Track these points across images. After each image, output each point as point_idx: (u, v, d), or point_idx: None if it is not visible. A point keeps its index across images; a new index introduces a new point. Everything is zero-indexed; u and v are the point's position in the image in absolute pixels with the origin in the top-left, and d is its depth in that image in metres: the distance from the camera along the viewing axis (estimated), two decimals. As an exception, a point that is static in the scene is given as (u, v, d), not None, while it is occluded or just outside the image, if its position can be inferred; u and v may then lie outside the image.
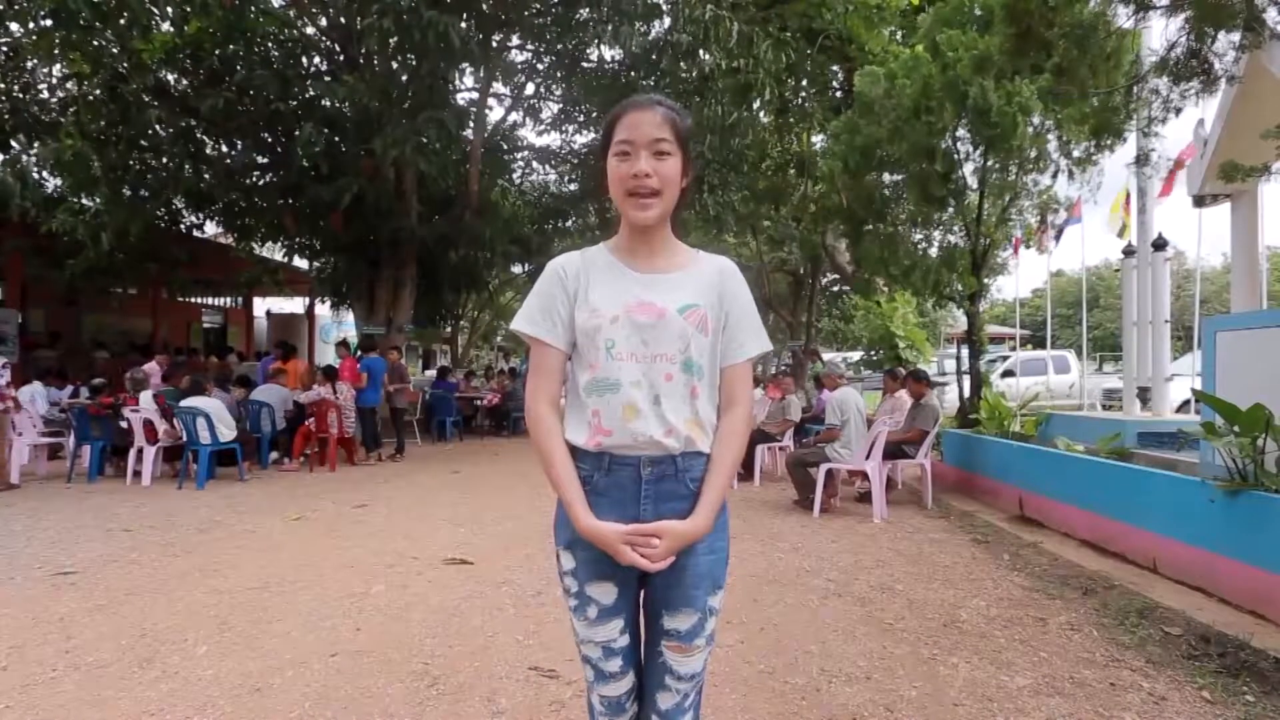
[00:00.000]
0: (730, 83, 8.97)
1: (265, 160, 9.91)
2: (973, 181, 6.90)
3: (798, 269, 17.42)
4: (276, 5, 9.31)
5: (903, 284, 6.68)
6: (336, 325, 20.56)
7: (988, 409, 6.43)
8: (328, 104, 9.49)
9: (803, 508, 5.72)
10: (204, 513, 5.61)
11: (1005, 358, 13.47)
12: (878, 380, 12.50)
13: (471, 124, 9.64)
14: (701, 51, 6.92)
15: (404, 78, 8.39)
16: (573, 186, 13.90)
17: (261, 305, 20.78)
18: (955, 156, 6.36)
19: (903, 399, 6.78)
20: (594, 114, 11.91)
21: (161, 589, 3.67)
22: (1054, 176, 7.20)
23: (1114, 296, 29.40)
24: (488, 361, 20.40)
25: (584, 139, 13.09)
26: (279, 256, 13.06)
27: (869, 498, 5.88)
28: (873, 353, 10.41)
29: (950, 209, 6.65)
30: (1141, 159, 5.66)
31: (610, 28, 6.47)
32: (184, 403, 6.91)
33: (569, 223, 13.30)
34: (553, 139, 13.13)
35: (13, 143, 7.80)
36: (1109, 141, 5.82)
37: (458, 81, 9.92)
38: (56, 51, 6.89)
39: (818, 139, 13.88)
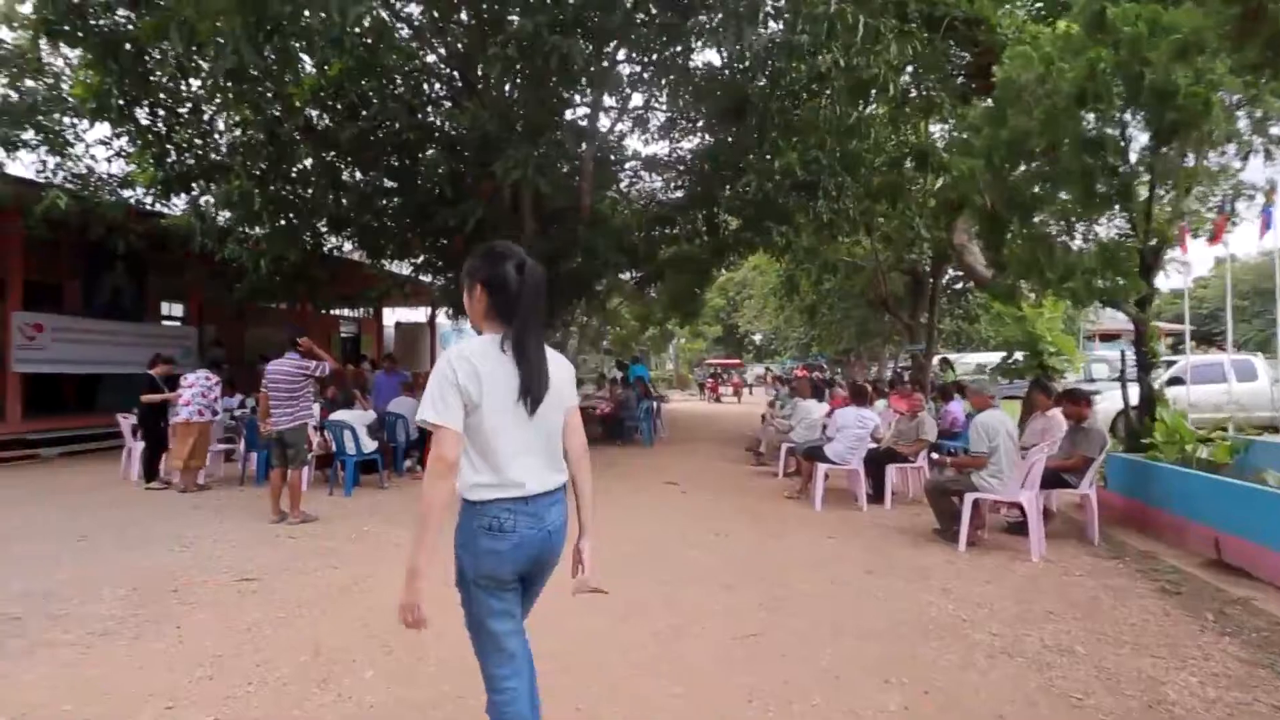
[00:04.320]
0: (849, 80, 8.49)
1: (395, 185, 10.61)
2: (1141, 172, 6.09)
3: (917, 267, 16.34)
4: (401, 37, 9.90)
5: (1059, 291, 6.01)
6: (457, 333, 21.82)
7: (1165, 431, 5.64)
8: (449, 128, 10.00)
9: (945, 539, 5.29)
10: (354, 521, 6.05)
11: (1170, 361, 11.75)
12: (1010, 388, 11.36)
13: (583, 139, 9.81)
14: (821, 52, 6.60)
15: (523, 101, 8.65)
16: (679, 194, 13.80)
17: (390, 315, 22.50)
18: (1124, 146, 5.62)
19: (1055, 418, 6.11)
20: (699, 120, 11.76)
21: (327, 603, 3.95)
22: (1245, 159, 6.23)
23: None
24: (601, 370, 20.79)
25: (690, 144, 12.99)
26: (406, 271, 14.02)
27: (1021, 528, 5.35)
28: (1011, 359, 9.51)
29: (1116, 206, 5.90)
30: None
31: (730, 31, 6.27)
32: (332, 416, 7.52)
33: (676, 229, 13.22)
34: (660, 147, 13.11)
35: (194, 186, 8.91)
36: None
37: (571, 98, 10.11)
38: (230, 102, 7.77)
39: (936, 128, 12.94)
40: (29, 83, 8.96)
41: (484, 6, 8.23)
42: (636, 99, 11.63)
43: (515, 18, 6.61)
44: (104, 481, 8.24)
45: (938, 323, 17.56)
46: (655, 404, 13.20)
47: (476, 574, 1.79)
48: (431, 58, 10.70)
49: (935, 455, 5.75)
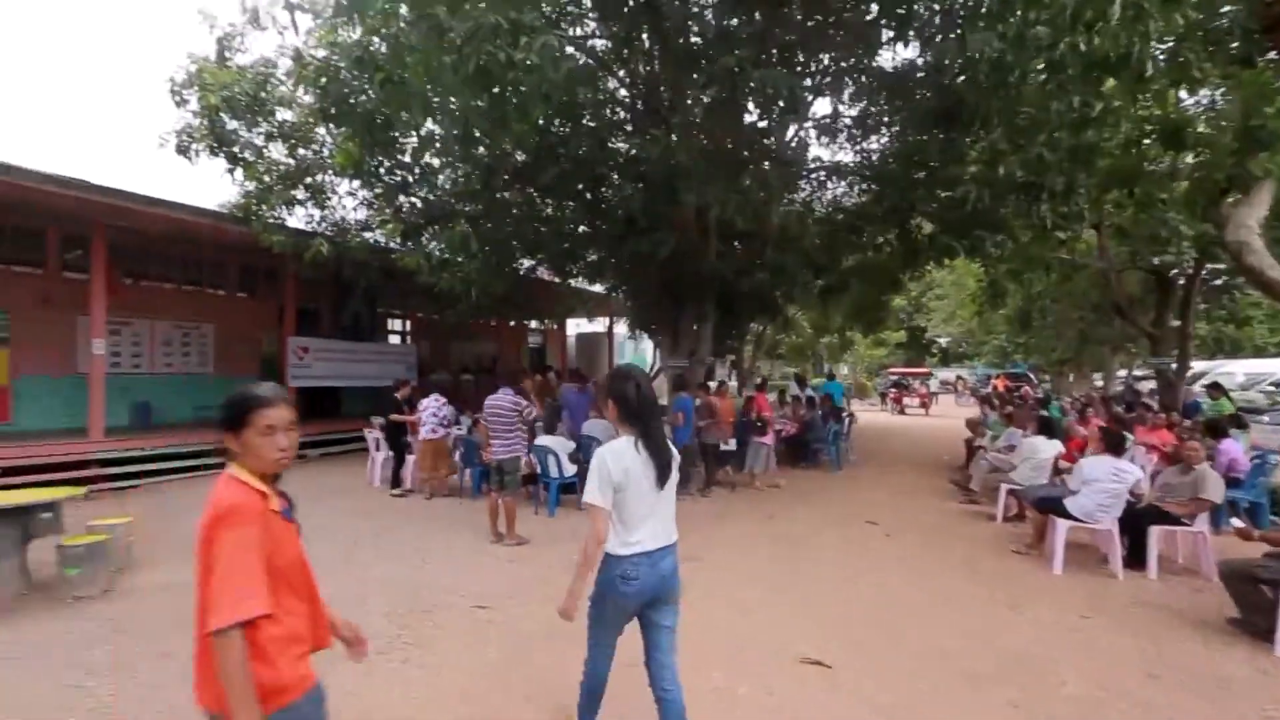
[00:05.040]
0: (1085, 62, 7.22)
1: (587, 215, 11.15)
2: None
3: (1164, 266, 13.68)
4: (586, 63, 10.26)
5: None
6: (635, 344, 22.64)
7: None
8: (636, 154, 10.23)
9: (1247, 633, 4.28)
10: (560, 547, 6.34)
11: None
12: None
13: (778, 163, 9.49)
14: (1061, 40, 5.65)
15: (714, 129, 8.55)
16: (864, 199, 12.89)
17: (571, 326, 24.04)
18: None
19: None
20: (894, 124, 10.85)
21: (552, 639, 4.14)
22: None
23: None
24: (781, 386, 20.35)
25: (877, 144, 12.04)
26: (595, 288, 14.79)
27: (1367, 632, 4.17)
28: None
29: None
30: None
31: (943, 33, 5.65)
32: (537, 442, 8.05)
33: (863, 237, 12.34)
34: (846, 154, 12.27)
35: (424, 234, 10.24)
36: None
37: (767, 128, 9.81)
38: (456, 158, 8.77)
39: (1188, 98, 10.67)
40: (301, 151, 10.87)
41: (667, 26, 8.26)
42: (823, 105, 11.06)
43: (713, 51, 6.53)
44: (354, 485, 9.66)
45: (1190, 330, 14.60)
46: (846, 424, 12.35)
47: (612, 603, 2.66)
48: (613, 83, 11.01)
49: (1238, 523, 4.49)
